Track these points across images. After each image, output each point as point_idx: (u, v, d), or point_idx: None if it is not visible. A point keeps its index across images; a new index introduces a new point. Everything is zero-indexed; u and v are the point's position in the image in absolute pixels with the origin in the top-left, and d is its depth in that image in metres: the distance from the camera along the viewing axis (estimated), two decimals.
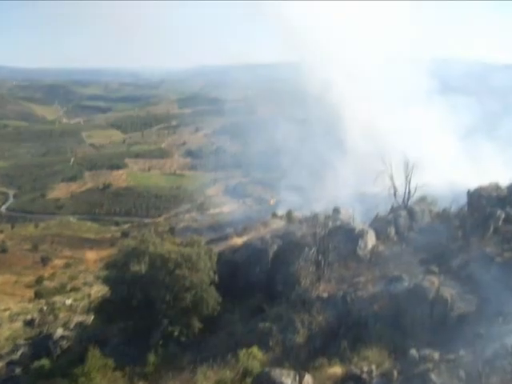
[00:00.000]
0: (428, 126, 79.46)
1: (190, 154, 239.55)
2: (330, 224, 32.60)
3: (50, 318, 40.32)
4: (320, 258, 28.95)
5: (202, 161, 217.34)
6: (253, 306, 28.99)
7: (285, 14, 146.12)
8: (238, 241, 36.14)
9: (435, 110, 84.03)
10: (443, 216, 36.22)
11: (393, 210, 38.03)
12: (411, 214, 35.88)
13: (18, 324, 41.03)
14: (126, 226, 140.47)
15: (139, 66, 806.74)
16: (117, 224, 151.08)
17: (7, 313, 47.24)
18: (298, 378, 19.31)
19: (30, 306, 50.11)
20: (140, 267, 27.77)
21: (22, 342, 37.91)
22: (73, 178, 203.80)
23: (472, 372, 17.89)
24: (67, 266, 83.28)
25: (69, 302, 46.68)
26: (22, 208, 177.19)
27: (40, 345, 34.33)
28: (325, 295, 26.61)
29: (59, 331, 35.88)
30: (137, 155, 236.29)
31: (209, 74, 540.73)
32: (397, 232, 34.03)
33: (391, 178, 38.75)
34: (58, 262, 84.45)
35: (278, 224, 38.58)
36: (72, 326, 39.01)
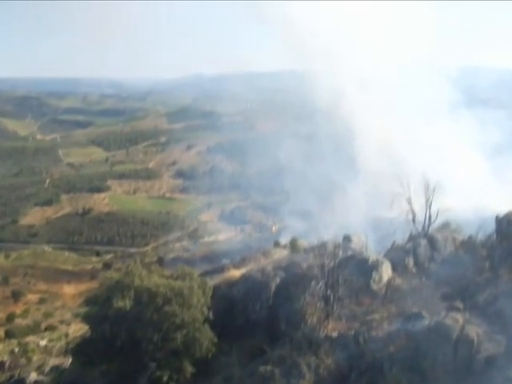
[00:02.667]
0: (452, 143, 79.14)
1: (181, 174, 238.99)
2: (340, 254, 32.42)
3: (23, 360, 40.33)
4: (329, 292, 28.84)
5: (195, 182, 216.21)
6: (252, 347, 28.84)
7: (288, 16, 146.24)
8: (236, 273, 36.04)
9: (460, 124, 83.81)
10: (468, 245, 36.08)
11: (411, 237, 37.91)
12: (432, 242, 35.74)
13: None
14: (108, 257, 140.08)
15: (122, 75, 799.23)
16: (98, 254, 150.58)
17: None
18: None
19: (0, 347, 49.97)
20: (124, 303, 27.65)
21: None
22: (48, 202, 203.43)
23: None
24: (42, 301, 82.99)
25: (43, 342, 46.63)
26: None
27: None
28: (334, 335, 26.52)
29: (33, 376, 35.90)
30: (121, 176, 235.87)
31: (202, 84, 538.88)
32: (416, 263, 33.90)
33: (409, 201, 38.67)
34: (32, 297, 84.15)
35: (281, 254, 38.56)
36: (47, 369, 38.98)
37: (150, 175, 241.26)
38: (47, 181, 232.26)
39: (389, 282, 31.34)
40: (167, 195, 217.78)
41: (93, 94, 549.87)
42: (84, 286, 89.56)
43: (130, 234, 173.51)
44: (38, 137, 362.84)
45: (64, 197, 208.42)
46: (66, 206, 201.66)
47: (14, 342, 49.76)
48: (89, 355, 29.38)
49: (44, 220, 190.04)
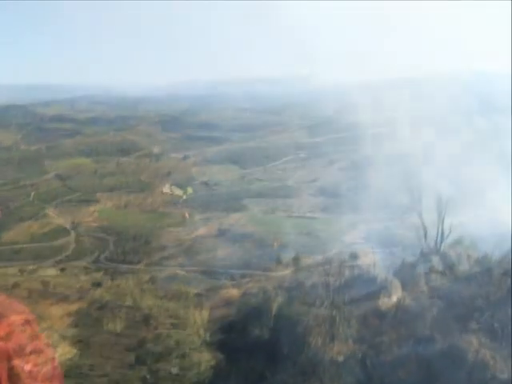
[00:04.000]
0: (466, 154, 78.82)
1: (322, 192, 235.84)
2: (347, 272, 32.22)
3: None
4: (334, 313, 28.58)
5: (338, 200, 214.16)
6: (253, 372, 28.58)
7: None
8: (235, 292, 35.82)
9: (474, 133, 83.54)
10: (483, 262, 35.93)
11: (422, 254, 37.86)
12: (445, 259, 35.65)
13: None
14: (244, 281, 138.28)
15: (112, 80, 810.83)
16: (232, 278, 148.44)
17: (105, 379, 47.30)
18: None
19: (131, 372, 49.95)
20: (115, 326, 27.48)
21: None
22: (33, 217, 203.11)
23: None
24: (173, 326, 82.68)
25: (175, 370, 46.28)
26: (124, 257, 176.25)
27: None
28: (340, 358, 26.28)
29: None
30: (111, 189, 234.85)
31: (197, 90, 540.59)
32: (427, 282, 33.74)
33: (420, 215, 38.59)
34: (163, 322, 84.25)
35: (283, 272, 38.33)
36: None
37: (289, 193, 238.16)
38: (32, 194, 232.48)
39: (398, 302, 31.15)
40: (308, 214, 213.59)
41: (81, 100, 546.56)
42: (218, 312, 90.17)
43: (120, 251, 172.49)
44: (22, 147, 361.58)
45: (198, 217, 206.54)
46: (201, 226, 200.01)
47: (145, 368, 49.66)
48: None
49: (29, 236, 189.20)
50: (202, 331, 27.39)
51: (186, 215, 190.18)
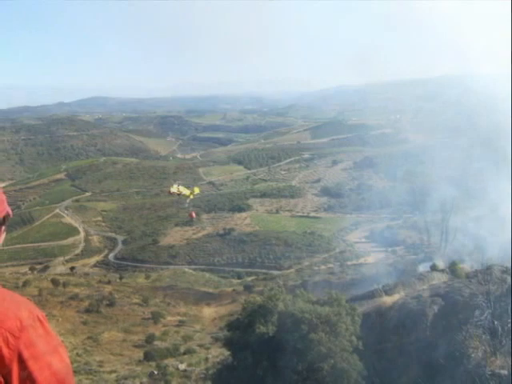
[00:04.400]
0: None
1: (326, 192, 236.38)
2: (510, 280, 30.80)
3: None
4: (496, 323, 27.20)
5: (341, 200, 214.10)
6: (406, 383, 27.83)
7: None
8: (388, 300, 34.86)
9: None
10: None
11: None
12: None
13: None
14: (249, 279, 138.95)
15: (263, 90, 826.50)
16: (239, 276, 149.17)
17: (113, 375, 47.67)
18: None
19: (139, 368, 50.54)
20: (267, 329, 27.26)
21: None
22: (189, 222, 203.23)
23: None
24: (181, 323, 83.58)
25: (182, 366, 46.74)
26: (132, 256, 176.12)
27: None
28: (504, 372, 24.74)
29: None
30: (263, 194, 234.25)
31: (346, 96, 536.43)
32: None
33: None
34: (171, 319, 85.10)
35: (439, 279, 37.22)
36: None
37: (293, 193, 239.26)
38: (187, 200, 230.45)
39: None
40: (312, 214, 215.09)
41: (233, 110, 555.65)
42: (224, 309, 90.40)
43: (272, 256, 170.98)
44: (179, 155, 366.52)
45: (205, 216, 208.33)
46: (207, 226, 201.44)
47: (153, 364, 50.36)
48: (229, 383, 28.99)
49: (184, 241, 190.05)
50: (354, 339, 26.96)
51: None
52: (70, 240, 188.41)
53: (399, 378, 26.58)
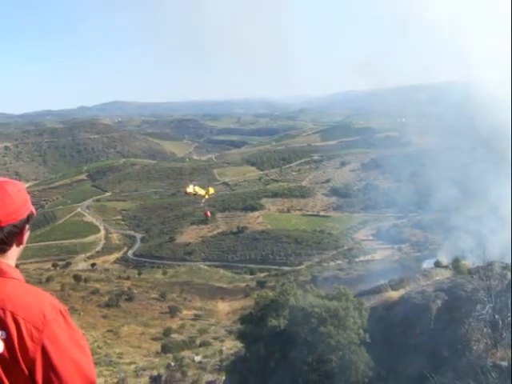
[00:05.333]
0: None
1: (335, 192, 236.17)
2: (510, 275, 30.73)
3: (178, 375, 40.57)
4: (497, 317, 27.07)
5: (349, 200, 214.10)
6: (411, 374, 27.69)
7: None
8: (394, 295, 34.66)
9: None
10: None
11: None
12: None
13: (144, 380, 41.46)
14: (262, 275, 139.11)
15: (274, 95, 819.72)
16: (252, 272, 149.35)
17: (132, 367, 48.06)
18: None
19: (157, 360, 50.78)
20: (279, 322, 27.29)
21: None
22: (203, 221, 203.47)
23: None
24: (196, 317, 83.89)
25: (198, 358, 46.87)
26: (150, 253, 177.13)
27: None
28: (504, 364, 24.55)
29: None
30: (274, 194, 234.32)
31: (354, 101, 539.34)
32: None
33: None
34: (187, 313, 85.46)
35: (443, 275, 36.93)
36: None
37: (303, 193, 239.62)
38: (203, 200, 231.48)
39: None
40: (321, 213, 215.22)
41: (246, 114, 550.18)
42: (238, 304, 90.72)
43: (283, 253, 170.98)
44: (195, 157, 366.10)
45: (219, 215, 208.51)
46: (221, 224, 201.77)
47: (170, 356, 50.65)
48: (243, 374, 28.95)
49: (200, 238, 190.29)
50: (362, 332, 26.95)
51: None
52: (91, 238, 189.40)
53: (405, 369, 26.54)
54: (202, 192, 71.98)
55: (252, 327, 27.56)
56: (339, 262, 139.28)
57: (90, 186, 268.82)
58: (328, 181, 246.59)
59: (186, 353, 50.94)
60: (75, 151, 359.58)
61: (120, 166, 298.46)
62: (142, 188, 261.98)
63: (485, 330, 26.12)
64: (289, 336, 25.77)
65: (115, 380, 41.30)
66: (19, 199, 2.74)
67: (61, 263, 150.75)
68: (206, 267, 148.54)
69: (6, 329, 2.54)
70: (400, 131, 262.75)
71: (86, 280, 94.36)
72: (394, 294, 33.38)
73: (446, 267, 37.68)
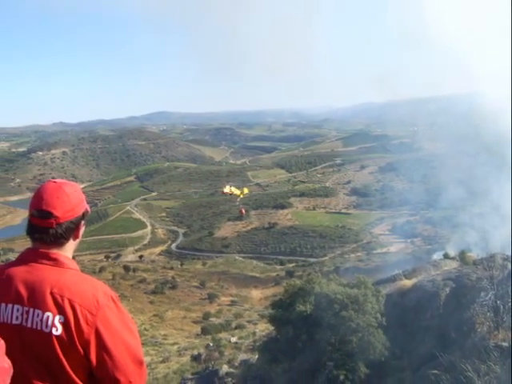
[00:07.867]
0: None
1: (355, 192, 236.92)
2: (510, 266, 30.71)
3: (216, 354, 40.74)
4: (498, 303, 27.08)
5: (368, 199, 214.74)
6: (423, 353, 27.80)
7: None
8: (407, 283, 34.73)
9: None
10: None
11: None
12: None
13: (186, 358, 41.69)
14: (290, 266, 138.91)
15: (302, 105, 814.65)
16: (281, 263, 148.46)
17: (175, 347, 48.50)
18: None
19: (197, 341, 50.99)
20: (305, 308, 27.47)
21: (189, 376, 38.22)
22: (239, 218, 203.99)
23: None
24: (232, 303, 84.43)
25: (234, 339, 47.10)
26: (191, 246, 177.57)
27: (206, 380, 34.32)
28: (505, 344, 24.57)
29: (225, 368, 35.64)
30: (301, 194, 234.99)
31: (373, 111, 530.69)
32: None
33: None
34: (224, 300, 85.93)
35: (450, 265, 36.83)
36: (237, 363, 38.83)
37: (327, 193, 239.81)
38: (238, 199, 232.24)
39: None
40: (343, 210, 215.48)
41: (276, 123, 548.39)
42: (269, 291, 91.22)
43: (309, 246, 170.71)
44: (231, 161, 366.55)
45: (252, 213, 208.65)
46: (254, 220, 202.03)
47: (209, 337, 50.98)
48: (273, 353, 29.18)
49: (235, 233, 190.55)
50: (379, 316, 27.03)
51: None
52: (139, 233, 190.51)
53: (416, 348, 26.54)
54: (237, 192, 72.28)
55: (282, 312, 27.72)
56: (359, 254, 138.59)
57: (138, 187, 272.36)
58: (349, 182, 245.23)
59: (223, 335, 51.00)
60: (125, 156, 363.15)
61: (165, 169, 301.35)
62: (184, 188, 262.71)
63: (488, 314, 26.08)
64: (314, 320, 25.87)
65: (160, 359, 41.73)
66: (75, 198, 2.87)
67: (112, 255, 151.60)
68: (240, 259, 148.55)
69: (64, 314, 2.67)
70: (412, 138, 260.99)
71: (135, 270, 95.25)
72: (408, 282, 33.31)
73: (453, 259, 37.43)
